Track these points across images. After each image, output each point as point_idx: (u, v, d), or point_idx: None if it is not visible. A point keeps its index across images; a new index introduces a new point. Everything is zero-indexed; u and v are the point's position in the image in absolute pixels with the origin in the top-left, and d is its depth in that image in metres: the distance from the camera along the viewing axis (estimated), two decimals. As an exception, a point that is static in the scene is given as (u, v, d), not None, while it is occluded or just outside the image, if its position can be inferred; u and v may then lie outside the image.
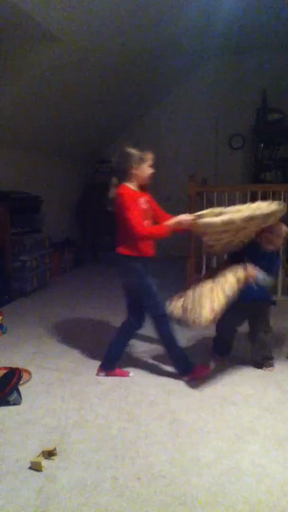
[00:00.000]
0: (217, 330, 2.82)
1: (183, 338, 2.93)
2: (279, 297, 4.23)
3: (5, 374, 2.42)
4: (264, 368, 2.68)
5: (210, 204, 4.43)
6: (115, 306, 3.82)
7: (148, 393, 2.40)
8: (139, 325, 2.63)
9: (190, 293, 2.48)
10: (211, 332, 2.85)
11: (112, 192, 2.40)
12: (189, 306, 2.39)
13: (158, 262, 2.65)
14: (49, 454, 1.82)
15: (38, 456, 1.80)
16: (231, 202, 4.31)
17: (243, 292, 2.43)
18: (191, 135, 6.53)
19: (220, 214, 2.33)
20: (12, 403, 2.26)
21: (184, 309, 2.41)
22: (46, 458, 1.81)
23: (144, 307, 2.51)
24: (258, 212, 2.35)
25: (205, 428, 2.05)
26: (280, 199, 4.27)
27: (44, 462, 1.77)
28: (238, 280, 2.42)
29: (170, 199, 6.70)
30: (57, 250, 5.46)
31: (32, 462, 1.77)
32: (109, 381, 2.56)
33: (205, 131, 6.49)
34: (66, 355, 2.92)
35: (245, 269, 2.46)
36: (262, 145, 5.93)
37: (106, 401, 2.32)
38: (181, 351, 2.54)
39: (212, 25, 4.83)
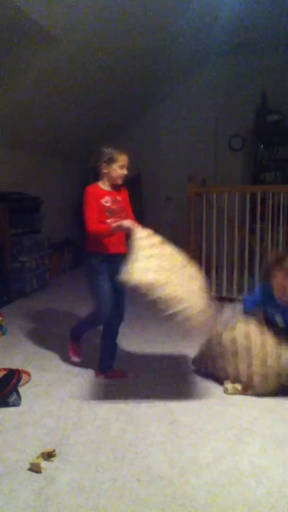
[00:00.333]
0: None
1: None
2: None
3: (4, 375, 2.42)
4: None
5: (209, 205, 4.44)
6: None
7: (147, 394, 2.40)
8: (119, 320, 2.65)
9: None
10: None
11: None
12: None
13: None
14: (49, 455, 1.82)
15: (38, 457, 1.80)
16: (231, 203, 4.33)
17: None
18: (191, 136, 6.53)
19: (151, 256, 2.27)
20: (11, 404, 2.26)
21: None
22: (45, 459, 1.81)
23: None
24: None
25: (204, 429, 2.05)
26: (280, 200, 4.27)
27: (44, 464, 1.78)
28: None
29: (170, 200, 6.72)
30: (57, 251, 5.46)
31: (31, 464, 1.77)
32: (108, 382, 2.56)
33: (205, 131, 6.49)
34: (65, 356, 2.92)
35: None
36: (262, 146, 5.93)
37: (105, 402, 2.32)
38: (110, 351, 2.65)
39: (212, 25, 4.84)
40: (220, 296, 4.37)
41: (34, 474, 1.73)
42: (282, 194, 4.23)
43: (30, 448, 1.90)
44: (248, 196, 4.63)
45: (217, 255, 4.46)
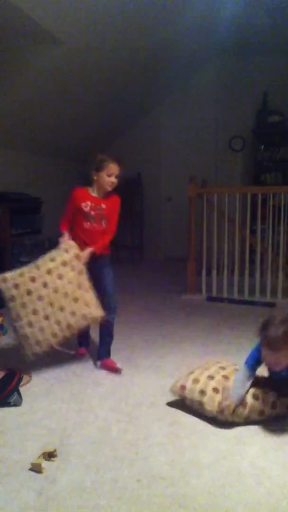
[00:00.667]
0: None
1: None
2: (279, 299, 4.24)
3: (5, 376, 2.43)
4: None
5: (210, 205, 4.44)
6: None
7: (148, 395, 2.40)
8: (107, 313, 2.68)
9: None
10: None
11: None
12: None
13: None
14: (49, 455, 1.82)
15: (38, 457, 1.80)
16: (231, 204, 4.33)
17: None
18: (191, 136, 6.54)
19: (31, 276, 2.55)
20: (12, 404, 2.26)
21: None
22: (46, 459, 1.81)
23: None
24: (52, 265, 2.54)
25: (204, 430, 2.05)
26: (279, 200, 4.28)
27: (44, 464, 1.78)
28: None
29: (171, 201, 6.73)
30: (57, 251, 5.46)
31: (32, 464, 1.77)
32: (109, 382, 2.57)
33: (206, 132, 6.50)
34: (66, 356, 2.92)
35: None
36: (262, 146, 5.95)
37: (106, 403, 2.32)
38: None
39: (213, 26, 4.85)
40: (221, 297, 4.37)
41: (35, 474, 1.73)
42: (282, 195, 4.24)
43: (31, 448, 1.90)
44: (248, 197, 4.63)
45: (217, 256, 4.46)
